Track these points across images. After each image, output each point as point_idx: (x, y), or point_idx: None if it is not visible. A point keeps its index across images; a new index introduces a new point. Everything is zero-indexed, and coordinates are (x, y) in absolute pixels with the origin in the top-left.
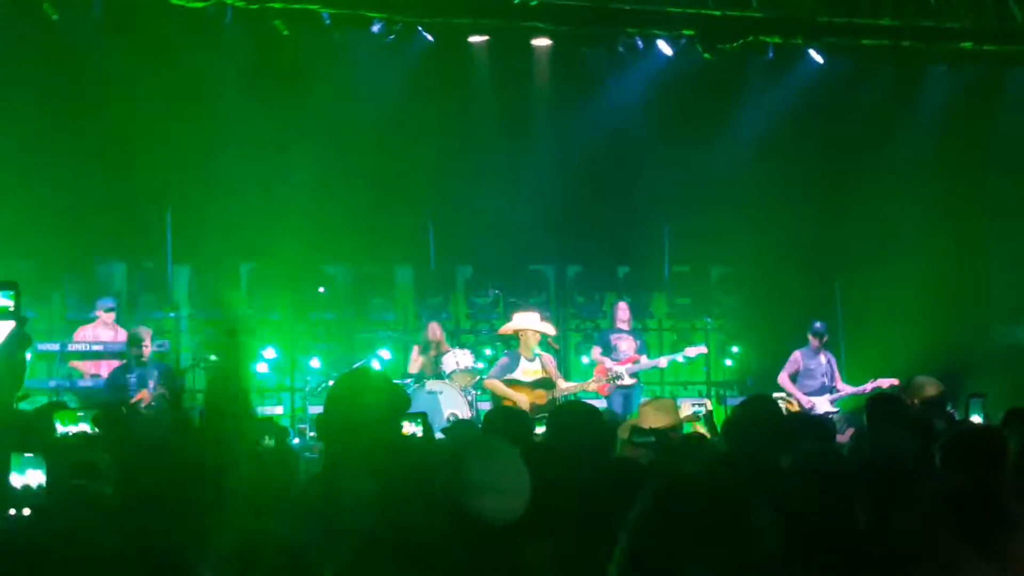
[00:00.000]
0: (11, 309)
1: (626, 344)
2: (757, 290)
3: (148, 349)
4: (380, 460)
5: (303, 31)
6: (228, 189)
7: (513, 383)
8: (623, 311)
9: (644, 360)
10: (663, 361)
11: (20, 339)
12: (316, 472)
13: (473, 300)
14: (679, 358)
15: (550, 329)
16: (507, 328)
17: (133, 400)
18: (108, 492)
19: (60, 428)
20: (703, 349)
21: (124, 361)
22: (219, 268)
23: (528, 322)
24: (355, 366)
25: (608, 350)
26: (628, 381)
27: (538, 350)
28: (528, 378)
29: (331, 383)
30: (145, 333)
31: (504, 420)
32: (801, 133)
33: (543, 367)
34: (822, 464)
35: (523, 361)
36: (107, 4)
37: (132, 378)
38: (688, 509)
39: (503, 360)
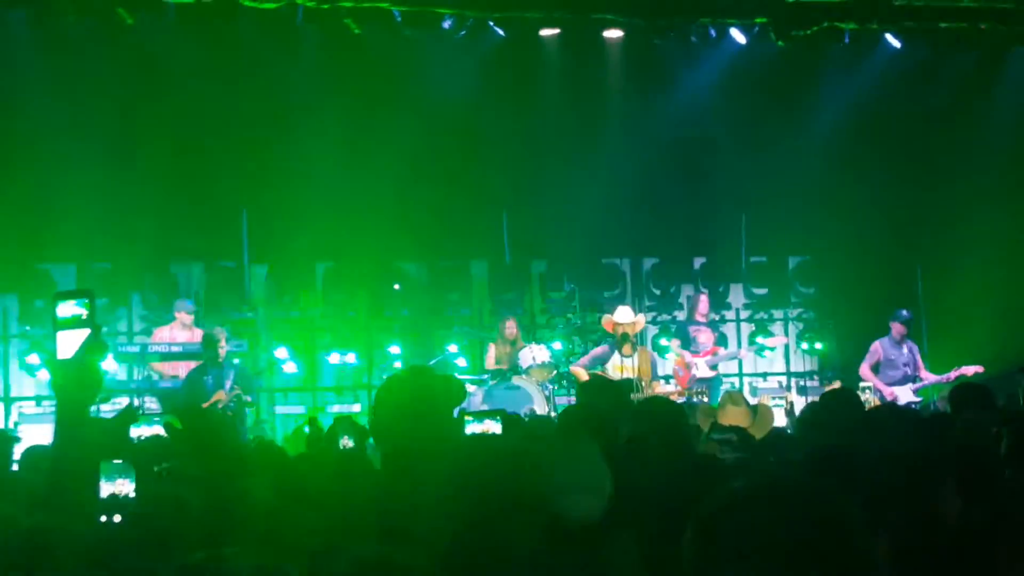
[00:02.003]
0: (84, 317)
1: (705, 336)
2: (836, 280)
3: (224, 349)
4: (444, 458)
5: (374, 29)
6: (303, 188)
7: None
8: (703, 303)
9: (723, 352)
10: (743, 352)
11: (95, 347)
12: (377, 473)
13: (548, 295)
14: (759, 349)
15: (639, 321)
16: (607, 322)
17: (211, 401)
18: (191, 498)
19: (133, 431)
20: (783, 339)
21: (201, 362)
22: (295, 267)
23: (625, 317)
24: (431, 363)
25: (687, 343)
26: (708, 373)
27: (639, 348)
28: (615, 374)
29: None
30: (220, 334)
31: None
32: (879, 120)
33: (635, 367)
34: (906, 453)
35: (617, 356)
36: (180, 7)
37: (209, 379)
38: (781, 520)
39: (600, 349)
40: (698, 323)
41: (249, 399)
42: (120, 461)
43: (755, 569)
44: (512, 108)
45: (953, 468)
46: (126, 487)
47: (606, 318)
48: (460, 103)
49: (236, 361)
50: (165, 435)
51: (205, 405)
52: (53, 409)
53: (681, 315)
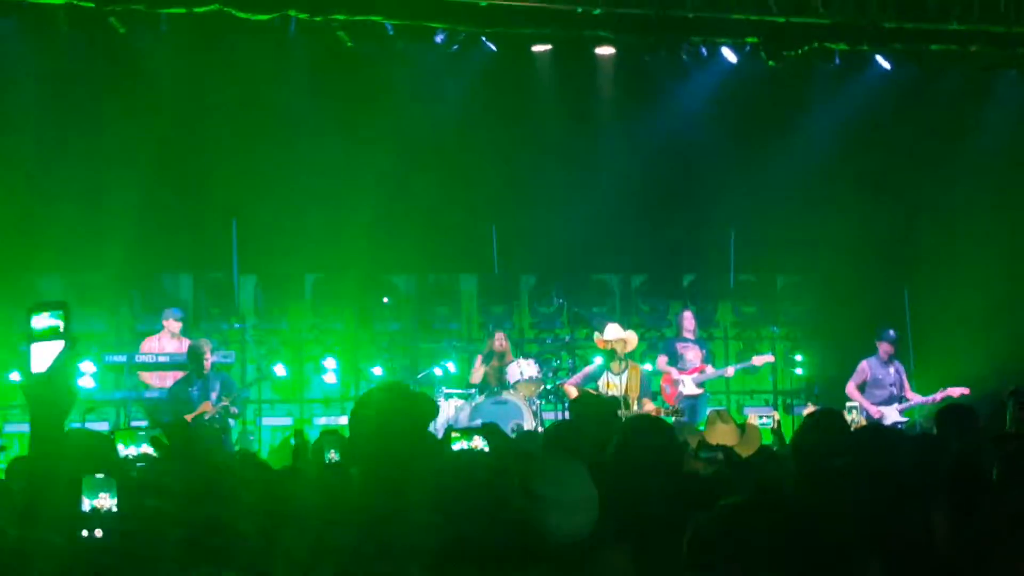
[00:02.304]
0: (60, 329)
1: (692, 353)
2: (824, 298)
3: (209, 361)
4: (415, 474)
5: (367, 42)
6: (293, 200)
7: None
8: (689, 320)
9: (710, 369)
10: (730, 370)
11: (70, 359)
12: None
13: (537, 309)
14: (746, 367)
15: (630, 341)
16: (599, 340)
17: (196, 412)
18: (175, 512)
19: (122, 450)
20: (770, 358)
21: (187, 373)
22: (284, 279)
23: (616, 334)
24: (419, 376)
25: (674, 359)
26: (695, 391)
27: (629, 365)
28: (605, 391)
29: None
30: (206, 345)
31: (566, 432)
32: (868, 140)
33: (624, 384)
34: (897, 473)
35: (608, 374)
36: (173, 17)
37: (194, 391)
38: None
39: (592, 367)
40: (686, 340)
41: (235, 411)
42: (102, 475)
43: None
44: (503, 123)
45: (945, 490)
46: (107, 502)
47: (596, 336)
48: (451, 117)
49: (222, 372)
50: (152, 452)
51: (190, 417)
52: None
53: (670, 332)
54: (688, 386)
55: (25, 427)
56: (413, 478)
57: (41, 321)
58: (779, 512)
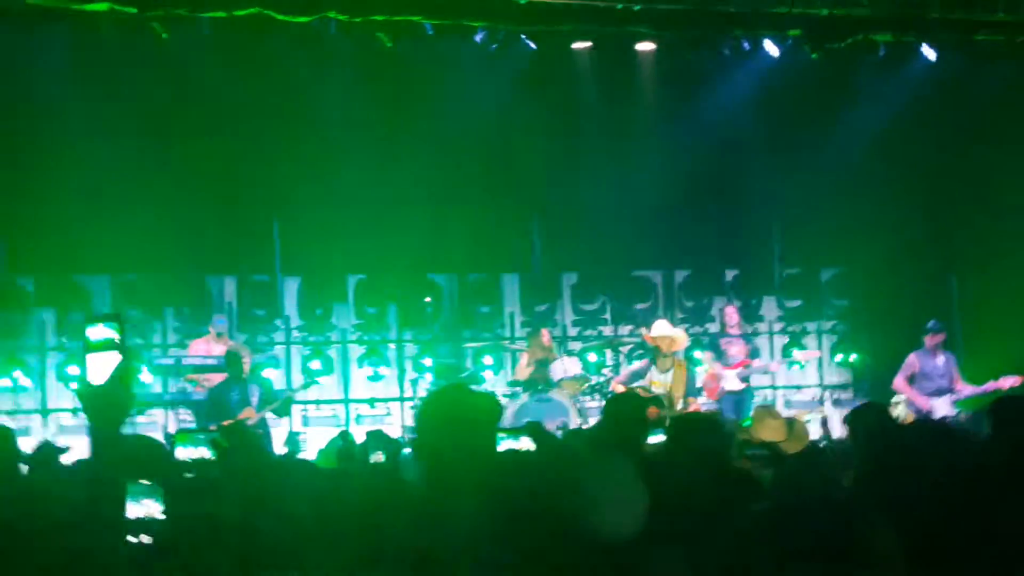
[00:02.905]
0: (116, 340)
1: (736, 348)
2: (870, 291)
3: (248, 365)
4: (483, 475)
5: (407, 42)
6: (335, 201)
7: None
8: (732, 315)
9: (756, 363)
10: (774, 365)
11: (127, 370)
12: (408, 488)
13: (580, 307)
14: (791, 362)
15: (682, 341)
16: (647, 335)
17: (239, 417)
18: (229, 517)
19: (180, 452)
20: (816, 353)
21: (227, 376)
22: (327, 280)
23: (664, 330)
24: (462, 376)
25: (719, 355)
26: (738, 386)
27: (675, 363)
28: (653, 389)
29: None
30: (244, 350)
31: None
32: (913, 131)
33: (670, 383)
34: (964, 471)
35: (654, 371)
36: (214, 22)
37: (235, 395)
38: (802, 530)
39: (638, 364)
40: (730, 335)
41: (277, 415)
42: (148, 482)
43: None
44: (544, 121)
45: (1000, 485)
46: (153, 508)
47: (644, 331)
48: (492, 116)
49: (262, 377)
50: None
51: (227, 423)
52: (86, 427)
53: (714, 327)
54: (731, 381)
55: (77, 428)
56: (470, 478)
57: (96, 332)
58: (827, 510)
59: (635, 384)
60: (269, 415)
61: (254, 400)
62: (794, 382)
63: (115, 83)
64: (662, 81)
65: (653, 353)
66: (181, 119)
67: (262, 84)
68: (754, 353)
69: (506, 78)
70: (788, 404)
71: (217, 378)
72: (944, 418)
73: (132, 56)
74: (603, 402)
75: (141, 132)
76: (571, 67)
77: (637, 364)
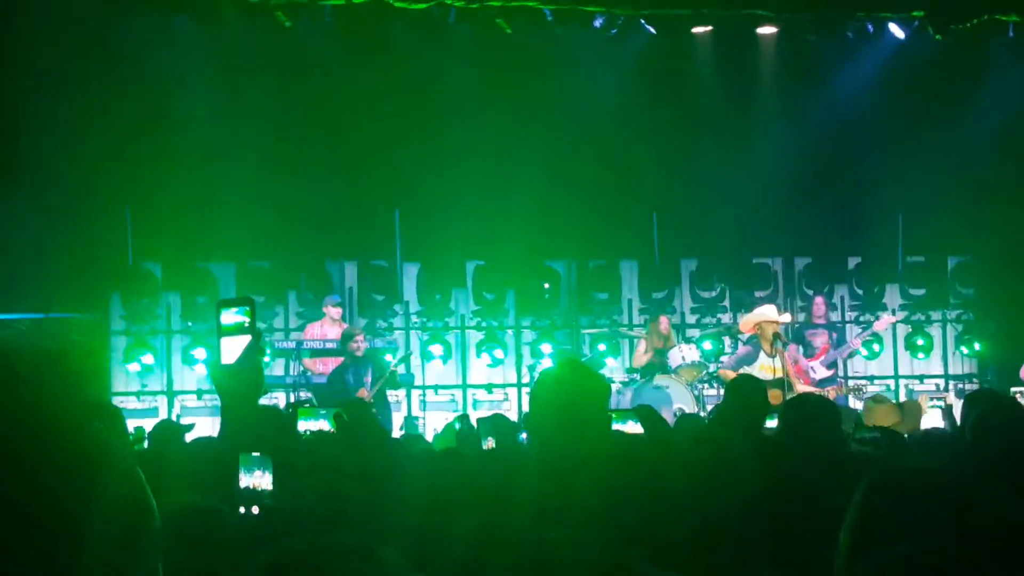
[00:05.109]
0: (246, 324)
1: (819, 339)
2: (997, 280)
3: (361, 346)
4: (597, 454)
5: (525, 28)
6: (454, 187)
7: None
8: (819, 306)
9: (832, 351)
10: (856, 342)
11: (257, 351)
12: (521, 471)
13: (698, 294)
14: (868, 335)
15: (784, 318)
16: (746, 324)
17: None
18: (348, 491)
19: (302, 425)
20: (892, 318)
21: (343, 359)
22: (446, 265)
23: (766, 314)
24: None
25: (804, 346)
26: (826, 373)
27: (780, 346)
28: (764, 375)
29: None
30: (357, 331)
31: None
32: None
33: (783, 366)
34: None
35: (762, 356)
36: (336, 9)
37: (349, 376)
38: (900, 502)
39: (744, 350)
40: (815, 326)
41: (393, 393)
42: (258, 454)
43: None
44: (663, 106)
45: None
46: (263, 480)
47: (745, 318)
48: (611, 101)
49: (375, 357)
50: (330, 429)
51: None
52: (216, 404)
53: (836, 316)
54: (819, 371)
55: (200, 409)
56: (584, 456)
57: (229, 317)
58: (946, 492)
59: (742, 369)
60: (391, 394)
61: (367, 380)
62: (917, 371)
63: (239, 72)
64: (784, 65)
65: (756, 340)
66: (303, 107)
67: (382, 71)
68: (842, 340)
69: (625, 64)
70: (911, 394)
71: (333, 362)
72: None
73: (257, 45)
74: (720, 390)
75: (265, 120)
76: (691, 52)
77: (742, 350)
